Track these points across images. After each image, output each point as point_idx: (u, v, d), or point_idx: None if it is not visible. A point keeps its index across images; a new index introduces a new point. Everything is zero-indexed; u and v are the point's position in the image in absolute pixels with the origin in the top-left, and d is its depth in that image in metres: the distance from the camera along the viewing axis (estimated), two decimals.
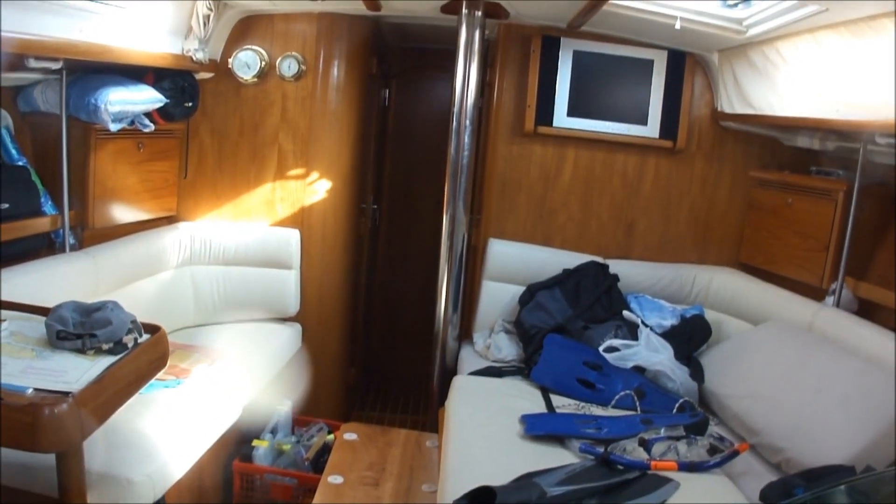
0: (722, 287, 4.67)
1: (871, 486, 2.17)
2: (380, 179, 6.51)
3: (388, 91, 6.51)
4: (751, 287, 4.52)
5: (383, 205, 6.65)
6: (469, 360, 4.51)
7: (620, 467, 3.02)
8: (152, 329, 2.85)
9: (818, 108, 3.68)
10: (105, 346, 2.59)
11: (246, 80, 4.84)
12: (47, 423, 2.16)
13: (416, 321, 4.81)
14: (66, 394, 2.27)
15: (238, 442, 4.13)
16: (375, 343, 6.81)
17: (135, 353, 2.65)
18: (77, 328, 2.61)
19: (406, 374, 5.89)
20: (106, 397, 2.43)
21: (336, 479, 3.71)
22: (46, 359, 2.52)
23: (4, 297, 2.92)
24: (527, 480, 2.86)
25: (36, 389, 2.28)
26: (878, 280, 3.93)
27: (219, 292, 4.84)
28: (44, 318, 2.69)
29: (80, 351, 2.57)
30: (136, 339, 2.71)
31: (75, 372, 2.43)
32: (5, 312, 2.82)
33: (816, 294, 4.09)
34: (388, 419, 5.70)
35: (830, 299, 3.98)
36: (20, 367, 2.42)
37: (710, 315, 4.56)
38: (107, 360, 2.54)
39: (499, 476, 2.84)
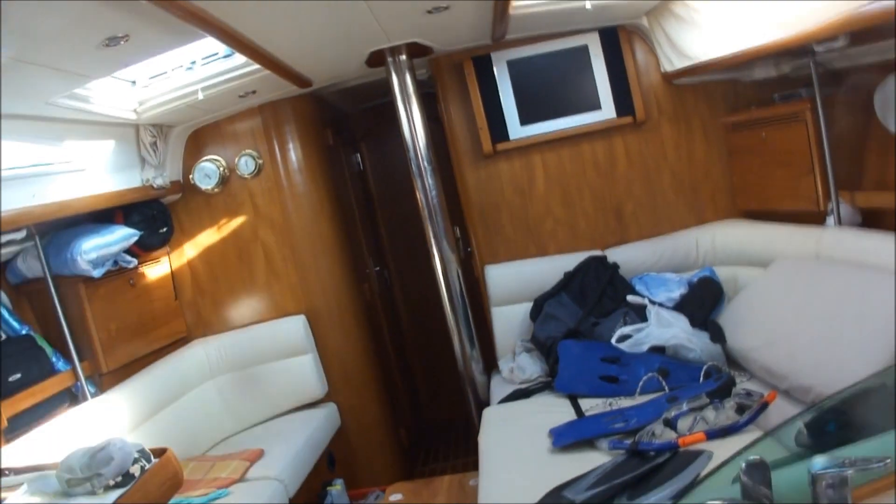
0: (726, 241, 4.61)
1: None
2: (378, 241, 6.58)
3: (359, 155, 6.60)
4: (753, 232, 4.46)
5: (389, 263, 6.72)
6: (498, 388, 4.50)
7: (651, 454, 2.98)
8: (159, 452, 2.89)
9: (748, 38, 3.64)
10: (113, 482, 2.65)
11: (211, 190, 4.96)
12: None
13: (456, 363, 4.83)
14: None
15: None
16: (424, 396, 6.85)
17: (141, 481, 2.69)
18: (84, 472, 2.66)
19: (459, 418, 5.87)
20: None
21: None
22: None
23: (39, 460, 3.03)
24: (554, 495, 2.84)
25: None
26: (874, 185, 3.87)
27: (247, 395, 4.90)
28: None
29: (91, 492, 2.62)
30: (143, 467, 2.75)
31: None
32: (29, 475, 2.88)
33: (818, 219, 4.00)
34: (451, 467, 5.66)
35: (831, 219, 3.90)
36: None
37: (722, 271, 4.50)
38: (115, 494, 2.59)
39: (532, 498, 2.83)
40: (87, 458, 2.72)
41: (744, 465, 1.54)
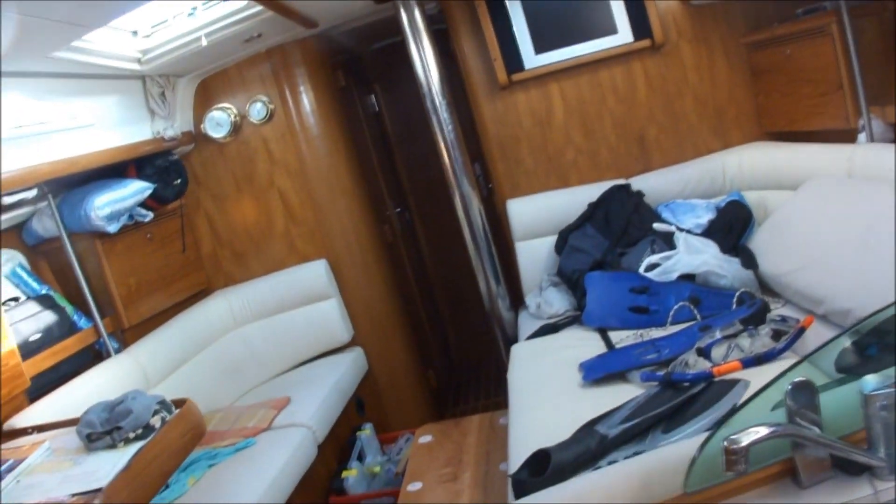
0: (753, 164, 4.46)
1: None
2: (398, 182, 6.50)
3: (374, 96, 6.50)
4: (781, 154, 4.31)
5: (411, 205, 6.66)
6: (526, 324, 4.43)
7: (686, 384, 2.88)
8: (179, 403, 2.86)
9: None
10: (133, 434, 2.62)
11: (223, 139, 4.89)
12: None
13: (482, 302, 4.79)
14: (97, 490, 2.31)
15: (329, 478, 4.14)
16: (452, 338, 6.83)
17: (162, 432, 2.67)
18: (104, 426, 2.64)
19: (489, 357, 5.84)
20: (140, 480, 2.45)
21: (415, 486, 3.66)
22: (82, 464, 2.56)
23: (65, 417, 3.01)
24: (586, 430, 2.75)
25: (73, 495, 2.32)
26: None
27: (272, 344, 4.87)
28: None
29: (112, 446, 2.60)
30: (163, 419, 2.73)
31: (106, 467, 2.46)
32: (50, 433, 2.91)
33: (849, 137, 3.85)
34: (482, 407, 5.65)
35: (863, 136, 3.76)
36: (59, 479, 2.47)
37: (751, 196, 4.37)
38: (135, 447, 2.57)
39: (564, 434, 2.75)
40: (105, 413, 2.70)
41: (789, 386, 1.46)
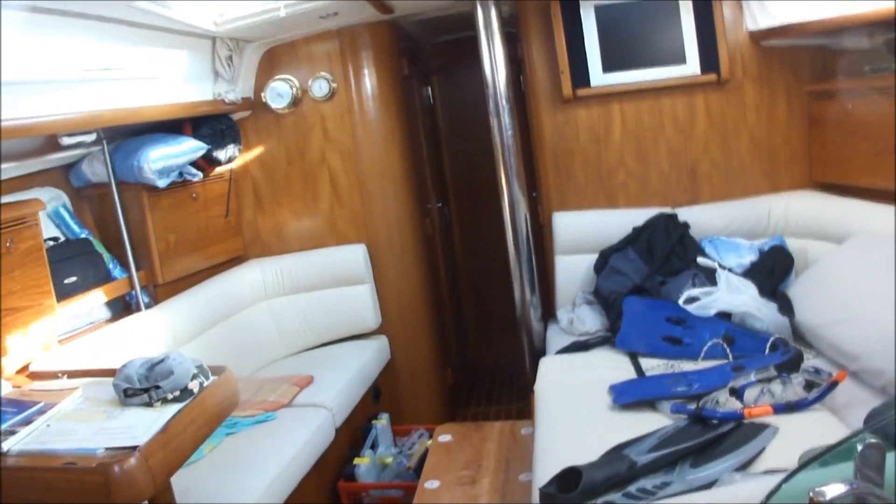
0: (799, 212, 4.44)
1: None
2: (441, 177, 6.51)
3: (430, 88, 6.51)
4: (829, 205, 4.30)
5: (451, 201, 6.67)
6: (555, 338, 4.44)
7: (715, 422, 2.90)
8: (218, 370, 2.88)
9: (843, 5, 3.50)
10: (171, 396, 2.63)
11: (282, 110, 4.91)
12: (118, 479, 2.21)
13: (509, 308, 4.77)
14: (134, 448, 2.31)
15: (340, 462, 4.15)
16: (472, 338, 6.84)
17: (200, 397, 2.69)
18: (142, 383, 2.65)
19: (507, 364, 5.85)
20: (176, 444, 2.47)
21: (432, 485, 3.67)
22: (116, 418, 2.57)
23: (90, 365, 3.06)
24: (616, 453, 2.77)
25: (106, 449, 2.33)
26: None
27: (299, 320, 4.91)
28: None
29: (148, 404, 2.62)
30: (201, 384, 2.74)
31: (143, 425, 2.46)
32: (81, 381, 2.92)
33: None
34: (495, 412, 5.67)
35: None
36: (92, 430, 2.49)
37: (793, 243, 4.37)
38: (173, 409, 2.58)
39: (591, 454, 2.77)
40: (144, 370, 2.71)
41: (860, 446, 1.47)
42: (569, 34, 4.62)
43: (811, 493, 1.32)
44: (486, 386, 6.32)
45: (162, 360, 2.75)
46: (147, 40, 3.73)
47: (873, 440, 1.47)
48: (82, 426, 2.53)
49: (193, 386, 2.70)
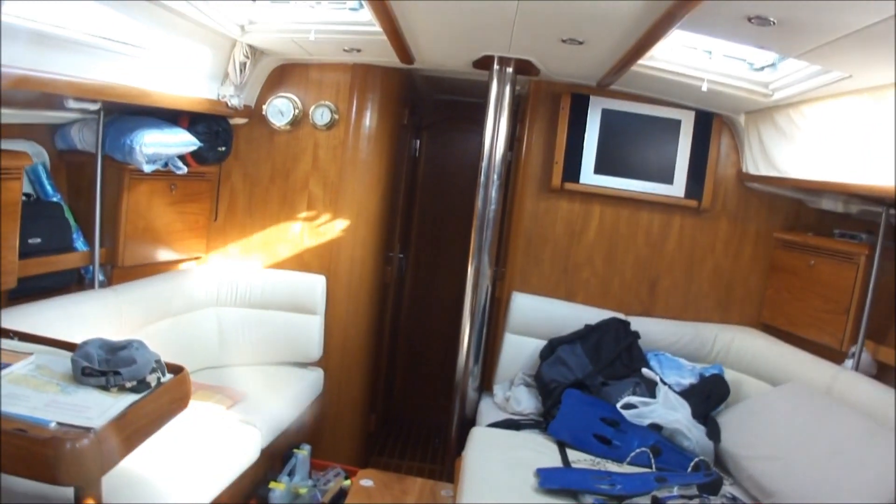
0: (743, 347, 4.66)
1: None
2: (408, 229, 6.59)
3: (418, 141, 6.61)
4: (771, 348, 4.51)
5: (410, 254, 6.73)
6: (488, 411, 4.52)
7: None
8: (176, 369, 2.88)
9: (841, 172, 3.69)
10: (128, 385, 2.62)
11: (279, 127, 4.96)
12: (68, 456, 2.18)
13: (439, 370, 4.84)
14: (88, 429, 2.28)
15: (255, 483, 4.13)
16: (398, 390, 6.87)
17: (157, 393, 2.68)
18: (102, 365, 2.63)
19: (426, 423, 5.90)
20: (126, 434, 2.45)
21: None
22: (71, 394, 2.54)
23: (32, 331, 2.97)
24: None
25: (59, 423, 2.30)
26: None
27: (244, 334, 4.89)
28: (70, 354, 2.73)
29: (104, 388, 2.60)
30: (159, 379, 2.74)
31: (98, 408, 2.45)
32: (33, 346, 2.87)
33: (836, 356, 4.08)
34: (406, 466, 5.70)
35: (850, 362, 3.97)
36: (44, 401, 2.45)
37: (730, 375, 4.55)
38: (129, 398, 2.56)
39: None
40: (105, 353, 2.70)
41: None
42: (571, 128, 4.79)
43: None
44: (403, 439, 6.36)
45: (125, 347, 2.75)
46: (172, 26, 3.76)
47: None
48: (34, 394, 2.49)
49: (151, 379, 2.69)
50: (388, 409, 6.58)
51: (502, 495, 3.31)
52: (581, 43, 3.66)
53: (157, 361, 2.79)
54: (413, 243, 6.78)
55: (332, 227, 5.06)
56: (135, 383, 2.64)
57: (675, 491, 3.32)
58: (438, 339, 4.85)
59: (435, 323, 5.05)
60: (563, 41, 3.69)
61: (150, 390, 2.67)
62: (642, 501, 3.24)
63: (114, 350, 2.73)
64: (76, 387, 2.61)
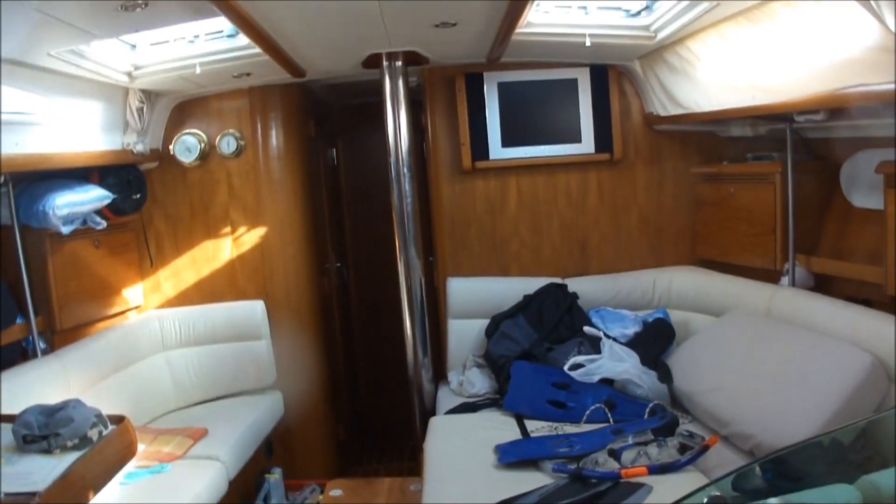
0: (682, 286, 4.74)
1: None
2: (341, 237, 6.63)
3: (335, 150, 6.64)
4: (710, 281, 4.61)
5: (349, 260, 6.77)
6: (445, 399, 4.56)
7: (593, 481, 3.07)
8: (117, 420, 2.91)
9: (737, 98, 3.79)
10: (70, 443, 2.66)
11: (189, 164, 4.97)
12: None
13: (400, 368, 4.86)
14: (33, 494, 2.32)
15: None
16: (364, 395, 6.91)
17: (100, 446, 2.72)
18: (42, 430, 2.67)
19: (397, 421, 5.93)
20: (74, 491, 2.49)
21: None
22: (15, 463, 2.58)
23: None
24: None
25: (6, 494, 2.34)
26: (830, 252, 4.04)
27: (195, 373, 4.88)
28: (11, 425, 2.75)
29: (48, 451, 2.64)
30: (100, 432, 2.77)
31: (42, 472, 2.48)
32: None
33: (773, 277, 4.17)
34: (385, 469, 5.74)
35: (786, 279, 4.07)
36: None
37: (675, 315, 4.63)
38: (73, 456, 2.61)
39: None
40: (44, 417, 2.73)
41: (705, 499, 1.64)
42: (471, 107, 4.84)
43: None
44: (378, 443, 6.40)
45: (62, 408, 2.78)
46: (60, 87, 3.76)
47: (717, 493, 1.65)
48: None
49: (93, 434, 2.73)
50: (356, 416, 6.61)
51: (465, 479, 3.35)
52: (454, 24, 3.71)
53: (98, 416, 2.83)
54: (350, 250, 6.81)
55: (260, 250, 5.08)
56: (76, 441, 2.68)
57: (630, 440, 3.38)
58: (392, 337, 4.89)
59: (386, 323, 5.10)
60: (437, 26, 3.74)
61: (93, 445, 2.70)
62: (601, 456, 3.29)
63: (52, 413, 2.76)
64: (20, 456, 2.65)
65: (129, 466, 3.71)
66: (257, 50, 3.83)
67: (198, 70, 4.11)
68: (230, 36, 4.03)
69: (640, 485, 3.02)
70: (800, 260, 4.06)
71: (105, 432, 2.80)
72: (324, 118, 5.97)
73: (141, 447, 3.91)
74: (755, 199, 4.30)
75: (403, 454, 6.03)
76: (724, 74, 3.88)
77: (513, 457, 3.41)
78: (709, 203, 4.81)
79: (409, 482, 4.31)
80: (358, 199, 6.79)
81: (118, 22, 3.08)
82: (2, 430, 2.83)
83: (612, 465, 3.22)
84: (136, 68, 4.16)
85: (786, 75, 3.36)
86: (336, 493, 4.20)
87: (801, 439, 2.93)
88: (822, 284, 4.02)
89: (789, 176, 4.04)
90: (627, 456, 3.27)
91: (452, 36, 4.01)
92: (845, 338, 3.27)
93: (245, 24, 3.25)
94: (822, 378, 3.17)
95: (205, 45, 4.10)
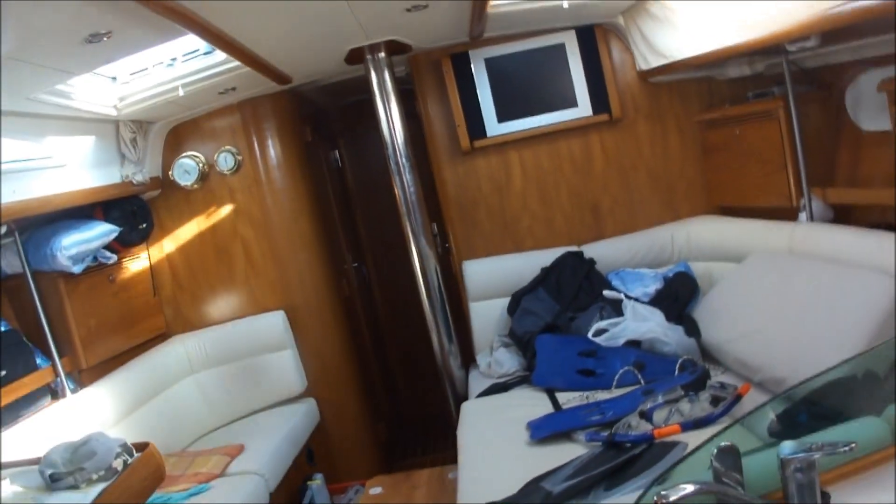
0: (700, 237, 4.67)
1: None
2: (356, 237, 6.63)
3: (338, 151, 6.64)
4: (727, 228, 4.53)
5: (368, 260, 6.77)
6: (477, 382, 4.54)
7: (627, 445, 3.02)
8: (141, 447, 2.91)
9: (723, 38, 3.69)
10: (95, 476, 2.65)
11: (190, 186, 4.98)
12: None
13: (434, 360, 4.86)
14: None
15: None
16: (403, 392, 6.92)
17: (125, 475, 2.71)
18: (67, 466, 2.67)
19: (437, 412, 5.91)
20: None
21: None
22: (44, 502, 2.58)
23: (20, 456, 3.02)
24: (532, 486, 2.88)
25: None
26: (846, 181, 3.96)
27: (226, 391, 4.91)
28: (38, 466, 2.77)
29: (75, 487, 2.63)
30: (125, 462, 2.77)
31: None
32: (5, 471, 2.89)
33: (791, 215, 4.08)
34: (431, 460, 5.70)
35: (803, 215, 3.98)
36: None
37: (697, 267, 4.57)
38: (98, 488, 2.60)
39: (511, 490, 2.88)
40: (69, 453, 2.73)
41: (715, 450, 1.60)
42: (462, 88, 4.79)
43: (655, 497, 1.44)
44: (420, 437, 6.38)
45: (85, 443, 2.78)
46: (50, 130, 3.81)
47: (725, 443, 1.60)
48: None
49: (118, 464, 2.72)
50: (398, 413, 6.63)
51: (499, 459, 3.33)
52: (426, 6, 3.67)
53: (123, 445, 2.82)
54: (367, 249, 6.82)
55: (273, 261, 5.08)
56: (102, 472, 2.67)
57: (660, 399, 3.31)
58: (422, 331, 4.87)
59: (414, 316, 5.08)
60: (409, 10, 3.71)
61: (118, 474, 2.70)
62: (633, 419, 3.24)
63: (75, 449, 2.76)
64: (48, 494, 2.64)
65: (170, 492, 3.76)
66: (236, 63, 3.83)
67: (181, 92, 4.12)
68: (207, 53, 4.04)
69: (675, 443, 2.95)
70: (815, 193, 3.95)
71: (130, 461, 2.79)
72: (321, 121, 5.95)
73: (179, 472, 3.97)
74: (762, 138, 4.21)
75: (447, 443, 5.99)
76: (708, 16, 3.78)
77: (545, 432, 3.38)
78: (716, 149, 4.73)
79: (448, 470, 4.27)
80: (368, 197, 6.79)
81: (87, 56, 3.08)
82: (30, 472, 2.86)
83: (645, 426, 3.16)
84: (121, 100, 4.18)
85: (771, 6, 3.27)
86: (376, 490, 4.19)
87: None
88: (843, 215, 3.93)
89: (792, 109, 3.93)
90: (659, 415, 3.21)
91: (428, 18, 3.97)
92: (871, 266, 3.16)
93: (216, 39, 3.24)
94: (850, 309, 3.06)
95: (183, 66, 4.12)
